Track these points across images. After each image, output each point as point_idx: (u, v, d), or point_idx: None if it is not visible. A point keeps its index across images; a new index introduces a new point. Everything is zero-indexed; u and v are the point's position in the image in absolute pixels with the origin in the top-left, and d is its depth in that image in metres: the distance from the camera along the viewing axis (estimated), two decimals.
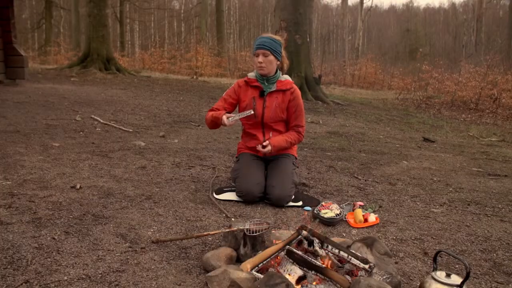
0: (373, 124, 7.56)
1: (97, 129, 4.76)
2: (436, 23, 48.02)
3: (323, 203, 2.64)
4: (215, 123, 2.75)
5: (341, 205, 2.68)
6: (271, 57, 2.70)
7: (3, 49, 7.67)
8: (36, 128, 4.50)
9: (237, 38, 42.57)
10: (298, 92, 2.86)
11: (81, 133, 4.49)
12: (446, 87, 13.27)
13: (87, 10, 12.45)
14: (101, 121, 5.16)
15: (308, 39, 9.52)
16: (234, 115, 2.68)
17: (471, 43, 22.93)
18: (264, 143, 2.70)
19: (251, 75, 2.86)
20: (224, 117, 2.63)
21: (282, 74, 2.86)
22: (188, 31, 37.41)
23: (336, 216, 2.46)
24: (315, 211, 2.51)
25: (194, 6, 36.02)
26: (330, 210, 2.51)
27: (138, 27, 37.53)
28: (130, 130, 4.85)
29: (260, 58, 2.69)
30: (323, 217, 2.44)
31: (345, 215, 2.55)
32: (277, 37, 2.77)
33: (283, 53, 2.80)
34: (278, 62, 2.78)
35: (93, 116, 5.41)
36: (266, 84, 2.80)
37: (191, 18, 35.27)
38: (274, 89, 2.80)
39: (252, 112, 2.69)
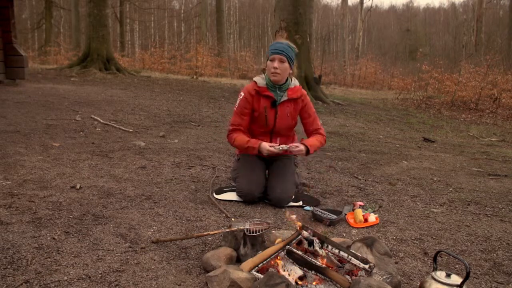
0: (373, 124, 7.56)
1: (97, 129, 4.75)
2: (436, 23, 48.00)
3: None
4: (249, 150, 2.71)
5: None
6: (286, 64, 2.63)
7: (3, 49, 7.66)
8: (36, 128, 4.50)
9: (237, 38, 42.57)
10: (308, 97, 2.82)
11: (81, 133, 4.49)
12: (446, 87, 13.27)
13: (87, 10, 12.43)
14: (101, 121, 5.16)
15: (308, 39, 9.52)
16: (275, 145, 2.64)
17: (471, 43, 22.90)
18: (295, 144, 2.67)
19: (260, 82, 2.74)
20: (267, 145, 2.61)
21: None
22: (188, 31, 37.42)
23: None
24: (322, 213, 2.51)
25: (194, 6, 36.01)
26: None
27: (138, 27, 37.50)
28: (130, 130, 4.85)
29: (276, 64, 2.60)
30: (322, 216, 2.44)
31: (345, 215, 2.55)
32: (293, 45, 2.69)
33: (295, 62, 2.75)
34: (290, 71, 2.71)
35: (93, 116, 5.41)
36: (278, 92, 2.72)
37: (191, 18, 35.26)
38: (285, 98, 2.73)
39: (286, 148, 2.64)
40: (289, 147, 2.63)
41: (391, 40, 42.75)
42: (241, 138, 2.72)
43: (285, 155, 2.90)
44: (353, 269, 1.71)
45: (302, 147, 2.65)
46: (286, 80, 2.72)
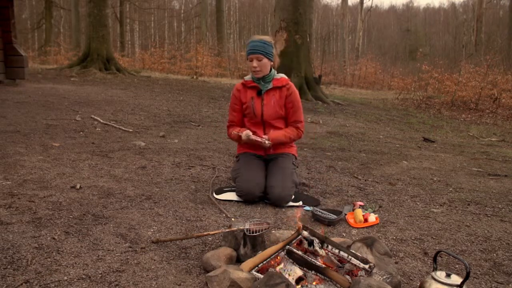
0: (373, 124, 7.56)
1: (97, 129, 4.76)
2: (436, 23, 48.04)
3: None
4: (237, 141, 2.95)
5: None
6: (265, 60, 2.75)
7: (3, 49, 7.66)
8: (36, 128, 4.50)
9: (237, 38, 42.56)
10: (294, 88, 2.91)
11: (81, 133, 4.49)
12: (446, 87, 13.26)
13: (87, 10, 12.43)
14: (101, 121, 5.16)
15: (308, 39, 9.52)
16: (252, 136, 2.78)
17: (471, 43, 22.90)
18: (264, 137, 2.76)
19: (248, 77, 2.91)
20: (244, 132, 2.78)
21: (277, 73, 2.89)
22: (188, 31, 37.41)
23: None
24: (316, 211, 2.52)
25: (194, 6, 36.02)
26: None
27: (138, 27, 37.52)
28: (130, 130, 4.85)
29: (255, 63, 2.74)
30: (322, 216, 2.44)
31: (345, 215, 2.55)
32: (268, 38, 2.80)
33: (274, 52, 2.83)
34: (272, 63, 2.82)
35: (93, 116, 5.41)
36: (263, 83, 2.85)
37: (191, 18, 35.25)
38: (270, 87, 2.84)
39: (267, 142, 2.74)
40: (256, 138, 2.74)
41: (391, 40, 42.77)
42: (234, 133, 2.89)
43: (283, 154, 2.90)
44: (353, 269, 1.71)
45: (267, 143, 2.76)
46: (270, 70, 2.84)
